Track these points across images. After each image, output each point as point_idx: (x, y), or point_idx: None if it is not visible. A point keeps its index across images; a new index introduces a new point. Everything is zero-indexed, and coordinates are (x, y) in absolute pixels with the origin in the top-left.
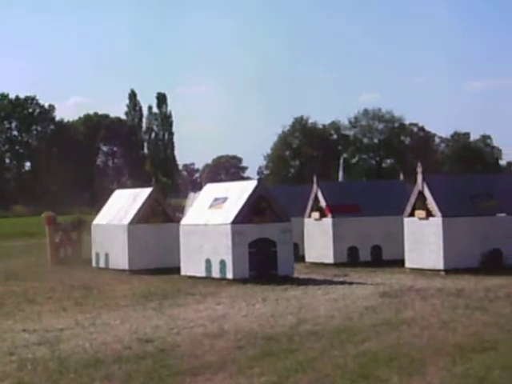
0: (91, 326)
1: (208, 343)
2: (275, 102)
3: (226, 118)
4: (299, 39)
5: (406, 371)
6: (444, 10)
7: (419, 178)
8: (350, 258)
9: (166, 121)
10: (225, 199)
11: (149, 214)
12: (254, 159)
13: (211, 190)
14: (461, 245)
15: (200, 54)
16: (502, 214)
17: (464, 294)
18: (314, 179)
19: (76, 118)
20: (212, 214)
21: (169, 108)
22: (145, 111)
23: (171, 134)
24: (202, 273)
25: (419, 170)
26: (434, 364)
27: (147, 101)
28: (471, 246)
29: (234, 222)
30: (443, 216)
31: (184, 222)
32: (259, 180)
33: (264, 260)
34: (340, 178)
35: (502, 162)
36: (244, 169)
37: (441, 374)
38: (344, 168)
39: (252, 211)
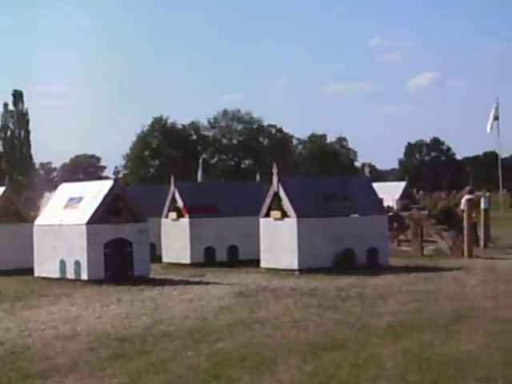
0: None
1: (60, 345)
2: (135, 101)
3: (84, 117)
4: (160, 39)
5: (257, 370)
6: (304, 11)
7: (275, 179)
8: (206, 259)
9: (22, 118)
10: (80, 199)
11: (1, 214)
12: (114, 159)
13: (67, 189)
14: (315, 245)
15: (58, 51)
16: (355, 215)
17: (317, 294)
18: (172, 179)
19: None
20: (67, 214)
21: (25, 106)
22: (0, 108)
23: (27, 132)
24: (56, 274)
25: (275, 171)
26: (285, 362)
27: (3, 98)
28: (325, 246)
29: (89, 223)
30: (298, 217)
31: (38, 222)
32: (115, 180)
33: (120, 260)
34: (199, 179)
35: (358, 164)
36: (103, 168)
37: (291, 373)
38: (203, 168)
39: (108, 211)
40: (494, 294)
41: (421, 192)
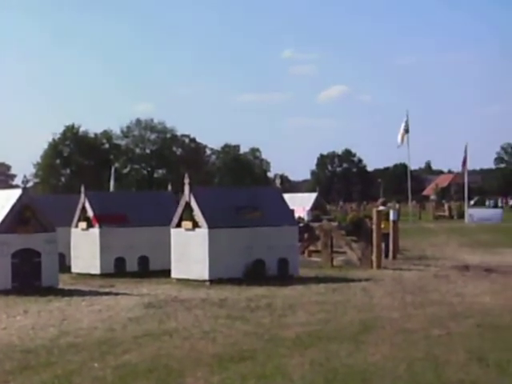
0: None
1: None
2: (47, 109)
3: None
4: (73, 46)
5: (164, 382)
6: (218, 20)
7: (186, 189)
8: (117, 269)
9: None
10: None
11: None
12: (25, 167)
13: None
14: (226, 256)
15: None
16: (266, 226)
17: (227, 304)
18: (82, 189)
19: None
20: None
21: None
22: None
23: None
24: None
25: (187, 181)
26: (193, 374)
27: None
28: (236, 257)
29: None
30: (209, 227)
31: None
32: (24, 189)
33: (28, 271)
34: (111, 188)
35: (270, 174)
36: (13, 176)
37: None
38: (115, 178)
39: (16, 221)
40: (401, 305)
41: (339, 203)
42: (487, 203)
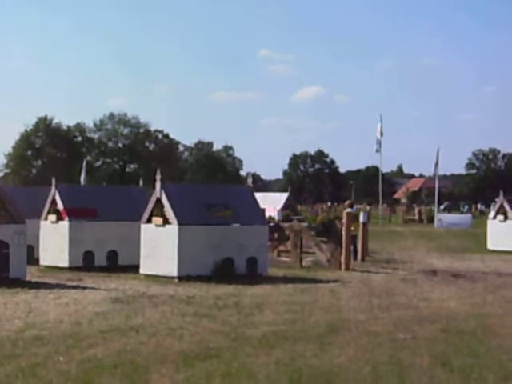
0: None
1: None
2: (19, 100)
3: None
4: (46, 38)
5: (129, 378)
6: (194, 17)
7: (158, 185)
8: (85, 263)
9: None
10: None
11: None
12: None
13: None
14: (195, 253)
15: None
16: (237, 225)
17: (194, 302)
18: (53, 181)
19: None
20: None
21: None
22: None
23: None
24: None
25: (158, 176)
26: (158, 371)
27: None
28: (205, 254)
29: None
30: (179, 224)
31: None
32: None
33: None
34: (82, 181)
35: (243, 173)
36: None
37: (163, 381)
38: (87, 171)
39: None
40: (368, 308)
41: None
42: (463, 208)
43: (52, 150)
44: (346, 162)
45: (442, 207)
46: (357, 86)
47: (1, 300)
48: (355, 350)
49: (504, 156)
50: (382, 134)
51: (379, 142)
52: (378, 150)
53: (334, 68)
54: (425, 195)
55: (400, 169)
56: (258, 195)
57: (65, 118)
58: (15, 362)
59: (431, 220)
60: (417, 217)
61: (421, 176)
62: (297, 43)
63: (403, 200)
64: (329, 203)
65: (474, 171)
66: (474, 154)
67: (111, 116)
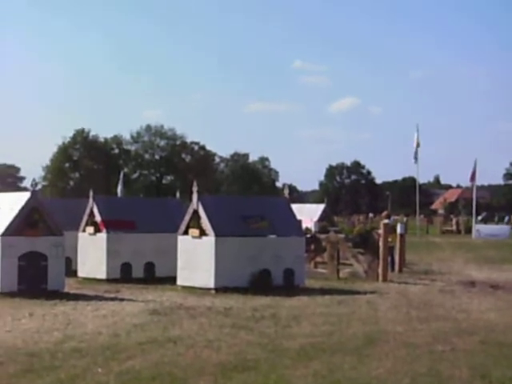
0: None
1: None
2: (57, 112)
3: (1, 126)
4: (84, 50)
5: None
6: (229, 29)
7: (194, 196)
8: (123, 274)
9: None
10: None
11: None
12: (34, 169)
13: None
14: (232, 264)
15: None
16: (273, 236)
17: (232, 313)
18: (91, 193)
19: None
20: None
21: None
22: None
23: None
24: None
25: (195, 188)
26: (196, 383)
27: None
28: (242, 266)
29: (4, 234)
30: (216, 235)
31: None
32: (33, 192)
33: (34, 274)
34: (119, 193)
35: (279, 184)
36: (22, 179)
37: None
38: (124, 183)
39: (24, 223)
40: (406, 319)
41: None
42: (501, 220)
43: (89, 162)
44: (383, 173)
45: (479, 218)
46: (391, 96)
47: (39, 312)
48: (393, 362)
49: None
50: (418, 145)
51: (416, 153)
52: (415, 161)
53: (368, 79)
54: (462, 206)
55: (437, 179)
56: (294, 206)
57: (102, 131)
58: (54, 374)
59: (469, 231)
60: (454, 227)
61: (458, 187)
62: (330, 54)
63: (440, 211)
64: (371, 214)
65: (511, 182)
66: (511, 163)
67: (148, 128)
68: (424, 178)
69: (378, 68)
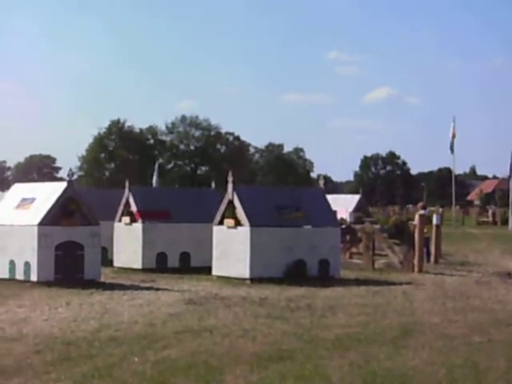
0: None
1: (5, 347)
2: (93, 102)
3: (38, 117)
4: (119, 42)
5: (203, 379)
6: (265, 20)
7: (230, 187)
8: (158, 264)
9: None
10: (33, 200)
11: None
12: (70, 160)
13: (19, 189)
14: (267, 254)
15: (13, 48)
16: (308, 226)
17: (267, 303)
18: (126, 183)
19: None
20: (19, 215)
21: None
22: None
23: None
24: (5, 274)
25: (230, 179)
26: (232, 372)
27: None
28: (277, 256)
29: (41, 224)
30: (251, 226)
31: None
32: (69, 182)
33: (70, 263)
34: (154, 183)
35: (313, 175)
36: (58, 169)
37: (237, 382)
38: (159, 173)
39: (60, 213)
40: (442, 310)
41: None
42: None
43: (124, 152)
44: (418, 164)
45: None
46: (428, 87)
47: (76, 301)
48: (430, 353)
49: None
50: (454, 136)
51: (452, 144)
52: (451, 152)
53: (406, 69)
54: (498, 197)
55: (473, 170)
56: (330, 197)
57: (137, 121)
58: (91, 362)
59: (505, 222)
60: (490, 219)
61: (494, 177)
62: (366, 45)
63: (476, 202)
64: (409, 205)
65: None
66: None
67: (183, 119)
68: (460, 168)
69: (415, 58)
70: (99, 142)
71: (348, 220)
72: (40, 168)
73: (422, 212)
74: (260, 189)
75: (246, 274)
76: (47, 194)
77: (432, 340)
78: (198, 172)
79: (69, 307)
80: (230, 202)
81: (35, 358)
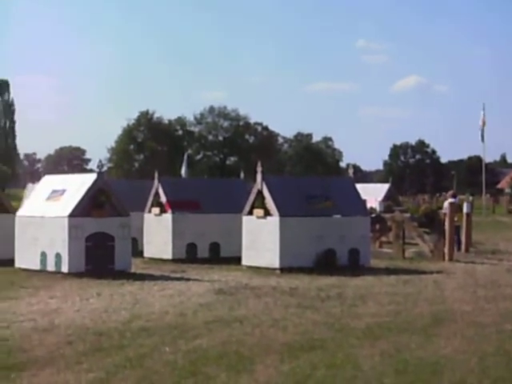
0: None
1: (37, 338)
2: (122, 94)
3: (69, 109)
4: (148, 35)
5: (234, 368)
6: (292, 9)
7: (259, 177)
8: (188, 255)
9: (7, 108)
10: (63, 191)
11: None
12: (99, 151)
13: (50, 181)
14: (296, 244)
15: (45, 42)
16: (337, 216)
17: (297, 293)
18: (156, 174)
19: None
20: (49, 206)
21: (11, 96)
22: None
23: (13, 122)
24: (36, 266)
25: (259, 169)
26: (263, 362)
27: None
28: (306, 246)
29: (72, 215)
30: (280, 215)
31: (20, 213)
32: (99, 173)
33: (101, 254)
34: (183, 174)
35: (342, 164)
36: (87, 161)
37: (268, 372)
38: (188, 164)
39: (91, 204)
40: (473, 299)
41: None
42: None
43: (153, 143)
44: (448, 152)
45: None
46: (456, 75)
47: (107, 291)
48: (461, 342)
49: None
50: (484, 124)
51: (482, 132)
52: (481, 139)
53: (433, 57)
54: None
55: (503, 158)
56: (359, 186)
57: (165, 113)
58: (123, 353)
59: None
60: None
61: None
62: (394, 33)
63: (507, 190)
64: (440, 194)
65: None
66: None
67: (211, 109)
68: (490, 156)
69: (443, 46)
70: (128, 134)
71: (378, 209)
72: (70, 160)
73: (452, 200)
74: (289, 178)
75: (276, 263)
76: (77, 185)
77: (463, 328)
78: (227, 162)
79: (100, 298)
80: (259, 192)
81: (67, 349)
